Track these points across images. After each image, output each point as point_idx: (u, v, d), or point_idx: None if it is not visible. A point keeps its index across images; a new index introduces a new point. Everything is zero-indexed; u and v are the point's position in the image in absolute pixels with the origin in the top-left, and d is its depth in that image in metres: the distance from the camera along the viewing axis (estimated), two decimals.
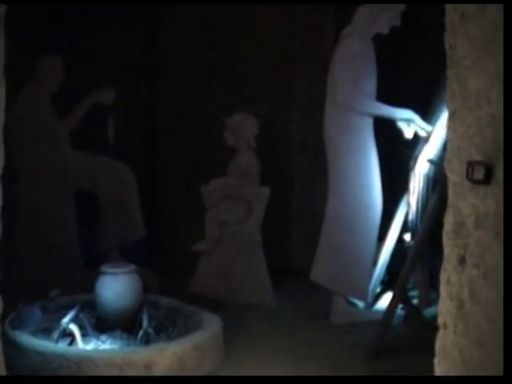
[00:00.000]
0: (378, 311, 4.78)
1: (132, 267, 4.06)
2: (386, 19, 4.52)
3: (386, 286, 5.11)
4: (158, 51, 6.44)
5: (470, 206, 2.14)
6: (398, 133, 4.78)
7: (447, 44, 2.34)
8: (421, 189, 4.52)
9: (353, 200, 4.59)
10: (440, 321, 2.25)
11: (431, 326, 2.41)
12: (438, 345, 2.25)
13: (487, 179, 1.97)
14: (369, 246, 4.63)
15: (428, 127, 4.55)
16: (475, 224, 2.09)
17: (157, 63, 6.42)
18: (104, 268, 4.05)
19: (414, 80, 5.74)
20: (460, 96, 2.19)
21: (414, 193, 4.77)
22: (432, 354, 2.24)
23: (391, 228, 5.04)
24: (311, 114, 5.97)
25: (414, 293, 5.16)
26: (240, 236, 5.13)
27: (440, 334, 2.24)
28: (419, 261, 4.27)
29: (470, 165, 2.00)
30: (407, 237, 4.94)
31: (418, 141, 4.82)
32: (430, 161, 4.06)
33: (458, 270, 2.20)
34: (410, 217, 4.86)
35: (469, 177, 2.01)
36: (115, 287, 3.97)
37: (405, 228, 5.03)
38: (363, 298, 4.70)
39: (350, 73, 4.49)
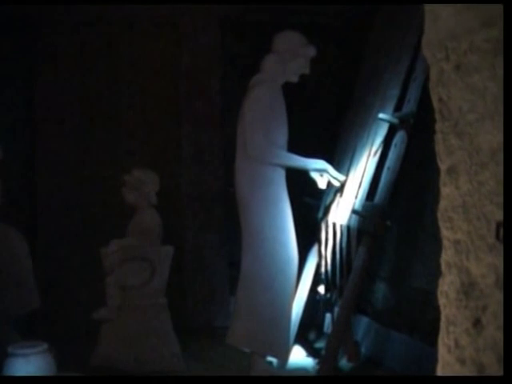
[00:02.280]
0: (293, 367, 4.64)
1: (45, 346, 3.65)
2: (296, 67, 4.45)
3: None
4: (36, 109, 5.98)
5: (485, 266, 2.02)
6: (304, 183, 4.72)
7: (435, 96, 2.24)
8: (338, 240, 4.43)
9: (269, 255, 4.42)
10: None
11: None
12: None
13: None
14: (287, 302, 4.47)
15: (341, 177, 4.50)
16: (496, 284, 1.98)
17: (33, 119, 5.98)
18: (13, 349, 3.62)
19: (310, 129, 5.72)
20: (464, 151, 2.08)
21: (326, 244, 4.69)
22: None
23: (301, 280, 4.92)
24: (199, 164, 5.84)
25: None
26: (144, 300, 4.81)
27: None
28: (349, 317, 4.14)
29: (501, 225, 1.88)
30: (321, 289, 4.84)
31: (323, 190, 4.76)
32: (356, 212, 3.97)
33: (471, 333, 2.08)
34: (323, 268, 4.77)
35: (499, 237, 1.89)
36: (28, 371, 3.55)
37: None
38: (284, 357, 4.51)
39: (261, 123, 4.36)
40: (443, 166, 2.20)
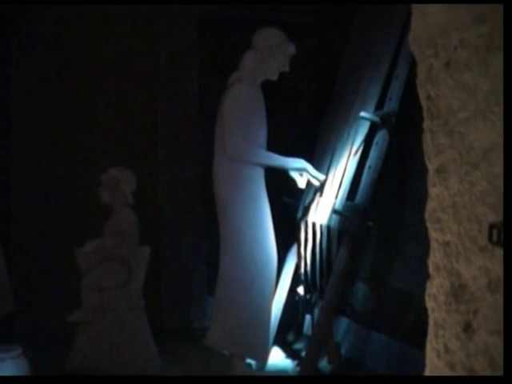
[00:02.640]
0: (272, 369, 4.59)
1: (20, 349, 3.55)
2: (276, 65, 4.39)
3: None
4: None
5: (476, 268, 1.97)
6: (283, 182, 4.66)
7: (423, 94, 2.19)
8: (318, 240, 4.36)
9: (248, 256, 4.34)
10: None
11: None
12: None
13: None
14: (266, 303, 4.40)
15: (321, 176, 4.43)
16: (488, 288, 1.93)
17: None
18: None
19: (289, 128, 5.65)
20: (454, 150, 2.03)
21: (306, 244, 4.63)
22: None
23: (280, 281, 4.86)
24: (177, 164, 5.75)
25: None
26: (121, 302, 4.71)
27: None
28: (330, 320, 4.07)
29: (494, 226, 1.83)
30: (300, 290, 4.77)
31: (302, 190, 4.70)
32: (337, 212, 3.91)
33: (461, 337, 2.02)
34: (302, 269, 4.71)
35: (492, 239, 1.84)
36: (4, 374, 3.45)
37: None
38: (263, 358, 4.44)
39: (240, 122, 4.29)
40: (432, 166, 2.14)
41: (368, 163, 3.89)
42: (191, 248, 5.80)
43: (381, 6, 4.43)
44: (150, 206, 5.68)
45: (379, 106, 4.02)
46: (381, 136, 3.84)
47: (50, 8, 5.45)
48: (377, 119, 3.88)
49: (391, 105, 3.84)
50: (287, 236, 4.90)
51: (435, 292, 2.16)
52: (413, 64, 3.92)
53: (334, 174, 4.32)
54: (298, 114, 5.77)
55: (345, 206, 3.94)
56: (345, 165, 4.17)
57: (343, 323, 4.93)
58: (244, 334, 4.33)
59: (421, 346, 2.22)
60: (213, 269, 5.01)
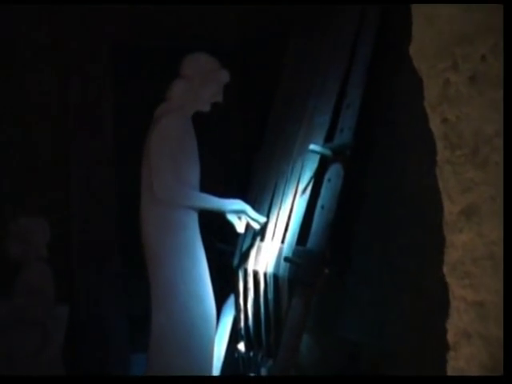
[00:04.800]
0: None
1: None
2: (208, 94, 3.95)
3: None
4: None
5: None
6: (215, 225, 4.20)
7: (435, 117, 1.77)
8: (262, 291, 3.88)
9: (184, 312, 3.85)
10: None
11: None
12: None
13: None
14: (206, 363, 3.89)
15: (262, 218, 3.98)
16: None
17: None
18: None
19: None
20: (490, 187, 1.60)
21: (246, 295, 4.14)
22: None
23: (217, 337, 4.34)
24: (92, 209, 5.21)
25: None
26: (36, 372, 4.07)
27: None
28: None
29: None
30: (241, 346, 4.27)
31: (238, 234, 4.23)
32: (288, 259, 3.44)
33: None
34: (242, 323, 4.22)
35: None
36: None
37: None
38: None
39: (169, 159, 3.83)
40: (455, 207, 1.70)
41: (320, 202, 3.45)
42: (111, 302, 5.22)
43: (323, 23, 4.06)
44: (63, 257, 5.05)
45: (328, 137, 3.60)
46: (334, 171, 3.42)
47: None
48: (328, 152, 3.46)
49: (344, 136, 3.43)
50: (222, 286, 4.41)
51: (463, 365, 1.71)
52: (367, 90, 3.60)
53: (278, 215, 3.87)
54: (226, 152, 5.31)
55: (296, 252, 3.48)
56: (291, 205, 3.72)
57: None
58: None
59: None
60: (136, 323, 4.62)
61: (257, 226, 3.99)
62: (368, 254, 3.93)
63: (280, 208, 3.87)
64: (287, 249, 3.59)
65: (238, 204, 3.93)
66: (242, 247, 4.26)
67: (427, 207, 3.18)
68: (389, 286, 3.72)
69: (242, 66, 5.23)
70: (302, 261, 3.38)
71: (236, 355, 4.38)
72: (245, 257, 4.16)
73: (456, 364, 1.74)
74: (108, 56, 5.24)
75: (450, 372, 1.76)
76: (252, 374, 4.19)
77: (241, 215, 3.95)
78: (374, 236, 3.87)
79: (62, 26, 5.13)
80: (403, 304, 3.58)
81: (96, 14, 5.17)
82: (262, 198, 4.21)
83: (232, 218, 3.96)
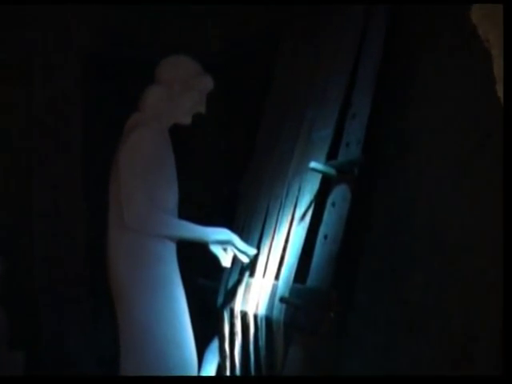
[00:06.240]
0: None
1: None
2: (189, 104, 3.49)
3: None
4: None
5: None
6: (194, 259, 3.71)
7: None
8: (252, 336, 3.33)
9: (158, 360, 3.34)
10: None
11: None
12: None
13: None
14: None
15: (251, 250, 3.47)
16: None
17: None
18: None
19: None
20: None
21: (231, 340, 3.60)
22: None
23: None
24: (55, 239, 4.70)
25: None
26: None
27: None
28: None
29: None
30: None
31: (223, 268, 3.71)
32: (285, 300, 2.88)
33: None
34: (228, 371, 3.67)
35: None
36: None
37: None
38: None
39: (142, 180, 3.34)
40: None
41: (322, 231, 2.90)
42: (78, 344, 4.68)
43: (321, 24, 3.58)
44: (22, 296, 4.53)
45: (331, 154, 3.07)
46: (339, 194, 2.86)
47: None
48: (332, 171, 2.91)
49: (351, 152, 2.89)
50: (204, 330, 3.87)
51: None
52: (376, 98, 3.08)
53: (271, 246, 3.34)
54: (209, 173, 4.80)
55: (293, 292, 2.92)
56: (287, 234, 3.18)
57: None
58: None
59: None
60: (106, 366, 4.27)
61: (245, 260, 3.50)
62: (375, 291, 3.43)
63: (273, 238, 3.36)
64: (283, 287, 3.05)
65: (223, 233, 3.46)
66: (227, 284, 3.77)
67: (445, 234, 2.69)
68: (401, 327, 3.21)
69: (227, 79, 4.75)
70: (302, 302, 2.83)
71: None
72: (231, 295, 3.66)
73: None
74: (79, 68, 4.78)
75: None
76: None
77: (226, 246, 3.48)
78: (382, 270, 3.38)
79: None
80: (414, 349, 3.08)
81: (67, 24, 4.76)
82: (251, 227, 3.71)
83: (216, 249, 3.49)
